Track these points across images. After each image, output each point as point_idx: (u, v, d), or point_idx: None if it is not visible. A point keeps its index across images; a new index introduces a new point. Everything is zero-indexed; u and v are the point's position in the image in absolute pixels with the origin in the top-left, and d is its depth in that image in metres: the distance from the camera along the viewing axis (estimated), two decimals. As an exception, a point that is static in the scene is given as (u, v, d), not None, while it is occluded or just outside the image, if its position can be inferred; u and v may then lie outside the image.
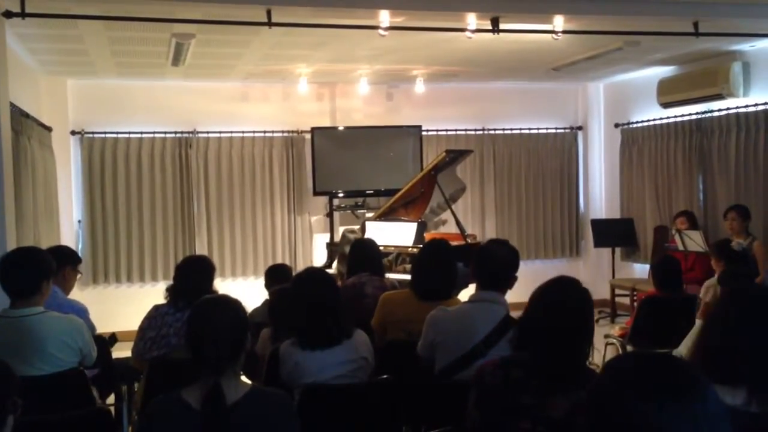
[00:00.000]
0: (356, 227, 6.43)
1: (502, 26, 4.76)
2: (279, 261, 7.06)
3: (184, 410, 1.99)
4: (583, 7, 4.69)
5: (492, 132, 8.36)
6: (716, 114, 6.75)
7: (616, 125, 8.17)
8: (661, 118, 7.47)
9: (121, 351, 4.21)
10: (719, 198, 6.68)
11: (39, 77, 6.77)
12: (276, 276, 4.55)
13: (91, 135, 7.27)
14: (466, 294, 3.41)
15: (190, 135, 7.52)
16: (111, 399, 4.08)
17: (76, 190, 7.33)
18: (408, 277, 4.47)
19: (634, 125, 7.91)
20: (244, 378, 2.31)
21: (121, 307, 6.86)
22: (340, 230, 6.96)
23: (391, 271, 5.54)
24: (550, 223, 8.56)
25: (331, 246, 6.74)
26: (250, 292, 6.18)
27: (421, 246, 4.69)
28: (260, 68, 6.77)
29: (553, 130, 8.58)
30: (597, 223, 8.14)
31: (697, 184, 7.00)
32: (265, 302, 4.12)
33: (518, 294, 3.30)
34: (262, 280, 4.78)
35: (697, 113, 6.96)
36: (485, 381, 2.17)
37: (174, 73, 6.85)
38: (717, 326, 1.81)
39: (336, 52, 6.15)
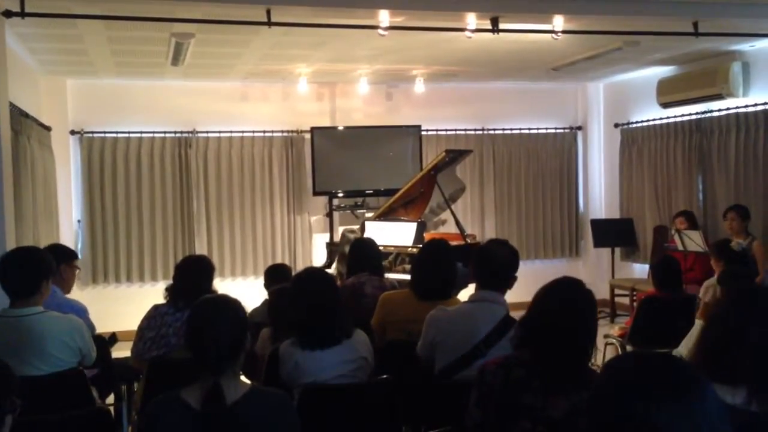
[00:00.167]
0: (356, 227, 6.44)
1: (501, 26, 4.76)
2: (279, 261, 7.06)
3: (183, 410, 1.99)
4: (582, 7, 4.69)
5: (492, 132, 8.36)
6: (716, 114, 6.75)
7: (616, 125, 8.18)
8: (660, 118, 7.47)
9: (121, 351, 4.20)
10: (719, 198, 6.68)
11: (38, 77, 6.77)
12: (275, 276, 4.54)
13: (90, 135, 7.27)
14: (465, 294, 3.41)
15: (190, 135, 7.52)
16: (111, 399, 4.07)
17: (75, 189, 7.33)
18: (407, 277, 4.47)
19: (634, 125, 7.91)
20: (243, 378, 2.31)
21: (121, 306, 6.85)
22: (339, 230, 6.96)
23: (390, 271, 5.54)
24: (550, 223, 8.56)
25: (331, 246, 6.74)
26: (249, 291, 6.18)
27: (421, 246, 4.70)
28: (260, 68, 6.76)
29: (553, 130, 8.58)
30: (597, 223, 8.14)
31: (697, 184, 7.01)
32: (265, 302, 4.12)
33: (518, 294, 3.31)
34: (261, 280, 4.78)
35: (696, 113, 6.96)
36: (486, 380, 2.17)
37: (174, 73, 6.85)
38: (718, 326, 1.81)
39: (336, 51, 6.15)
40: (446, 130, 8.19)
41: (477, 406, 2.19)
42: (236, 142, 7.64)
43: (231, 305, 2.15)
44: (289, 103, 7.78)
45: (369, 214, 7.02)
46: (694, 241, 6.04)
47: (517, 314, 2.58)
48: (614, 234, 7.95)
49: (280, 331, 3.37)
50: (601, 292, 7.51)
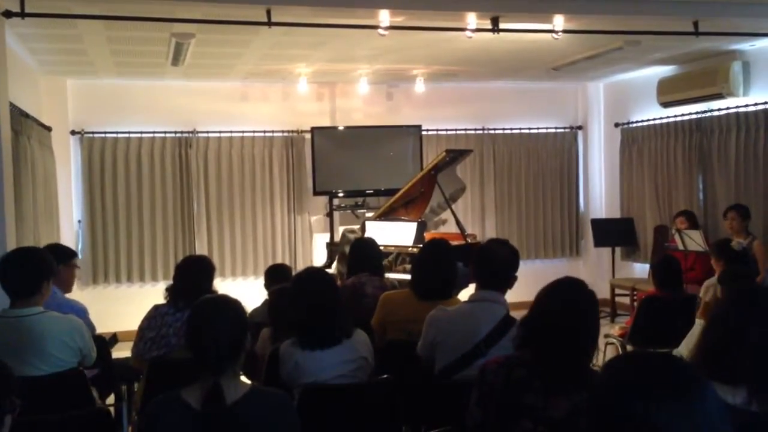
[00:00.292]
0: (356, 227, 6.43)
1: (501, 26, 4.76)
2: (279, 261, 7.06)
3: (183, 410, 1.99)
4: (582, 7, 4.69)
5: (492, 132, 8.36)
6: (716, 113, 6.75)
7: (616, 125, 8.17)
8: (661, 118, 7.47)
9: (121, 351, 4.20)
10: (719, 197, 6.68)
11: (39, 77, 6.77)
12: (276, 276, 4.54)
13: (90, 135, 7.27)
14: (466, 294, 3.41)
15: (190, 135, 7.52)
16: (111, 399, 4.07)
17: (75, 190, 7.33)
18: (408, 276, 4.47)
19: (634, 125, 7.90)
20: (243, 378, 2.31)
21: (121, 307, 6.85)
22: (340, 230, 6.96)
23: (391, 270, 5.54)
24: (550, 223, 8.56)
25: (331, 246, 6.74)
26: (249, 292, 6.19)
27: (421, 246, 4.69)
28: (260, 68, 6.76)
29: (553, 130, 8.58)
30: (597, 223, 8.14)
31: (697, 184, 7.00)
32: (265, 302, 4.12)
33: (518, 294, 3.31)
34: (261, 280, 4.78)
35: (697, 113, 6.96)
36: (487, 379, 2.17)
37: (174, 73, 6.85)
38: (718, 326, 1.81)
39: (336, 51, 6.15)
40: (446, 129, 8.19)
41: (478, 406, 2.19)
42: (236, 142, 7.64)
43: (231, 305, 2.15)
44: (289, 103, 7.78)
45: (369, 214, 7.02)
46: (694, 241, 6.04)
47: (517, 314, 2.58)
48: (615, 233, 7.95)
49: (281, 331, 3.37)
50: (602, 291, 7.50)
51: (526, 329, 2.21)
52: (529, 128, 8.47)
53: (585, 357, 2.11)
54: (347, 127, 7.83)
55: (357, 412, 2.92)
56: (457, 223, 6.18)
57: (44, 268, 3.12)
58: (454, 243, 5.27)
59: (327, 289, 3.04)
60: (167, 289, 3.64)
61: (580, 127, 8.69)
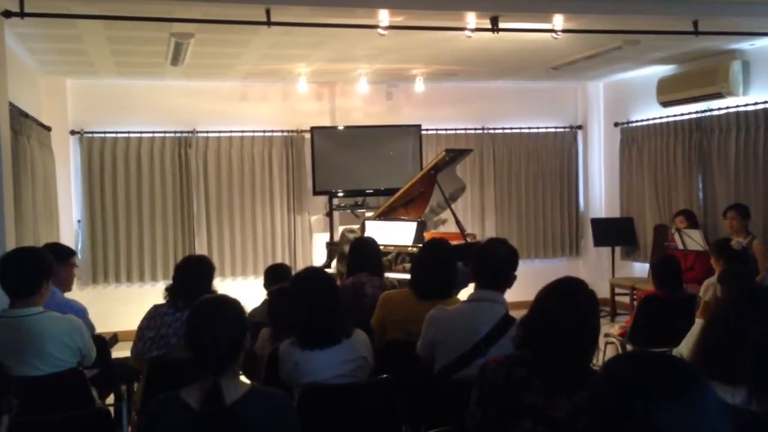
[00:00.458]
0: (356, 227, 6.43)
1: (501, 25, 4.75)
2: (279, 261, 7.06)
3: (183, 410, 1.99)
4: (582, 6, 4.69)
5: (491, 131, 8.36)
6: (716, 113, 6.75)
7: (616, 124, 8.17)
8: (660, 117, 7.47)
9: (121, 351, 4.20)
10: (719, 197, 6.68)
11: (38, 77, 6.77)
12: (275, 276, 4.54)
13: (90, 135, 7.27)
14: (465, 293, 3.41)
15: (190, 135, 7.52)
16: (110, 399, 4.07)
17: (75, 189, 7.33)
18: (407, 276, 4.47)
19: (634, 124, 7.90)
20: (243, 378, 2.31)
21: (121, 306, 6.86)
22: (339, 230, 6.96)
23: (390, 270, 5.54)
24: (550, 223, 8.56)
25: (331, 245, 6.74)
26: (249, 291, 6.19)
27: (421, 245, 4.69)
28: (260, 68, 6.76)
29: (553, 130, 8.58)
30: (597, 222, 8.14)
31: (697, 183, 7.00)
32: (265, 302, 4.12)
33: (518, 293, 3.31)
34: (261, 280, 4.78)
35: (696, 112, 6.96)
36: (488, 378, 2.17)
37: (173, 73, 6.85)
38: (718, 326, 1.81)
39: (335, 51, 6.14)
40: (446, 129, 8.19)
41: (477, 405, 2.19)
42: (236, 142, 7.64)
43: (230, 305, 2.15)
44: (288, 103, 7.78)
45: (369, 214, 7.02)
46: (694, 240, 6.04)
47: (517, 313, 2.58)
48: (614, 233, 7.95)
49: (280, 330, 3.37)
50: (602, 291, 7.50)
51: (526, 329, 2.20)
52: (529, 128, 8.47)
53: (585, 357, 2.11)
54: (347, 127, 7.83)
55: (357, 411, 2.92)
56: (457, 222, 6.18)
57: (44, 268, 3.11)
58: (454, 243, 5.27)
59: (326, 289, 3.04)
60: (167, 289, 3.64)
61: (579, 127, 8.69)
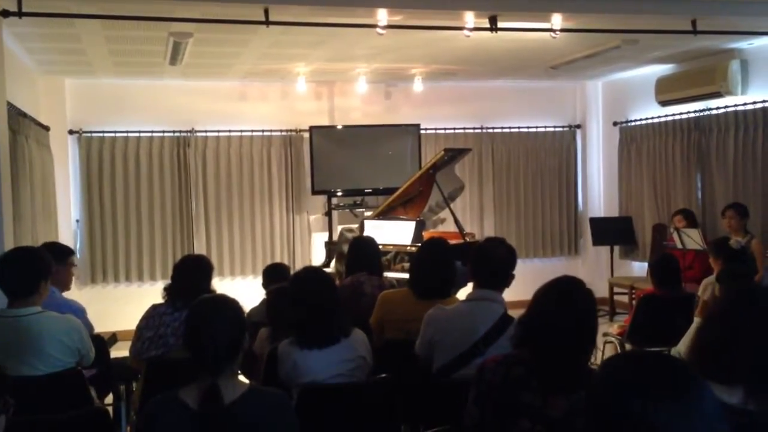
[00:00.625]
0: (354, 226, 6.43)
1: (500, 25, 4.75)
2: (277, 260, 7.06)
3: (181, 410, 1.99)
4: (581, 6, 4.69)
5: (490, 131, 8.36)
6: (714, 112, 6.75)
7: (615, 123, 8.17)
8: (659, 117, 7.47)
9: (120, 351, 4.20)
10: (717, 196, 6.68)
11: (36, 77, 6.76)
12: (274, 275, 4.54)
13: (89, 134, 7.27)
14: (464, 293, 3.41)
15: (189, 134, 7.51)
16: (109, 399, 4.07)
17: (74, 189, 7.33)
18: (406, 275, 4.47)
19: (633, 123, 7.91)
20: (242, 377, 2.31)
21: (120, 306, 6.86)
22: (338, 229, 6.96)
23: (389, 269, 5.53)
24: (549, 222, 8.56)
25: (330, 245, 6.74)
26: (248, 291, 6.18)
27: (420, 245, 4.69)
28: (258, 67, 6.76)
29: (552, 129, 8.58)
30: (595, 222, 8.14)
31: (696, 182, 7.01)
32: (263, 301, 4.12)
33: (516, 292, 3.31)
34: (260, 280, 4.78)
35: (695, 111, 6.97)
36: (486, 378, 2.17)
37: (172, 73, 6.84)
38: (715, 325, 1.81)
39: (334, 50, 6.14)
40: (445, 128, 8.19)
41: (475, 405, 2.19)
42: (235, 142, 7.64)
43: (229, 305, 2.15)
44: (287, 103, 7.78)
45: (368, 213, 7.02)
46: (693, 239, 6.04)
47: (515, 313, 2.58)
48: (613, 232, 7.96)
49: (279, 330, 3.37)
50: (600, 290, 7.50)
51: (524, 328, 2.20)
52: (528, 127, 8.47)
53: (583, 356, 2.11)
54: (346, 126, 7.83)
55: (355, 411, 2.92)
56: (456, 222, 6.18)
57: (42, 268, 3.12)
58: (453, 242, 5.27)
59: (325, 288, 3.04)
60: (165, 289, 3.64)
61: (578, 126, 8.70)
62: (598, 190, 8.73)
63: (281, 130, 7.76)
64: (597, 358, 2.21)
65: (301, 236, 7.85)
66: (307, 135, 7.71)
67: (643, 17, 4.97)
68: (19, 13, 4.10)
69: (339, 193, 7.70)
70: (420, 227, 5.90)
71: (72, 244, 7.01)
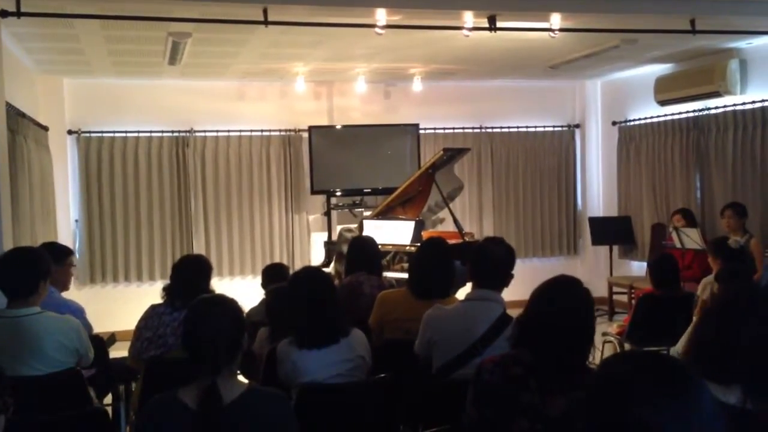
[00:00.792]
0: (354, 226, 6.44)
1: (499, 24, 4.75)
2: (276, 260, 7.06)
3: (180, 410, 1.99)
4: (580, 5, 4.69)
5: (489, 130, 8.36)
6: (713, 111, 6.75)
7: (614, 123, 8.18)
8: (658, 116, 7.48)
9: (119, 351, 4.20)
10: (716, 195, 6.69)
11: (35, 77, 6.76)
12: (273, 275, 4.54)
13: (87, 134, 7.26)
14: (463, 293, 3.41)
15: (187, 134, 7.51)
16: (108, 399, 4.07)
17: (73, 189, 7.32)
18: (405, 275, 4.47)
19: (632, 123, 7.91)
20: (241, 378, 2.31)
21: (119, 306, 6.85)
22: (337, 229, 6.96)
23: (388, 269, 5.53)
24: (548, 221, 8.57)
25: (329, 245, 6.74)
26: (247, 291, 6.18)
27: (419, 244, 4.69)
28: (257, 67, 6.76)
29: (551, 128, 8.58)
30: (594, 221, 8.14)
31: (694, 182, 7.01)
32: (263, 301, 4.12)
33: (515, 292, 3.31)
34: (259, 280, 4.78)
35: (694, 111, 6.97)
36: (483, 378, 2.16)
37: (171, 72, 6.84)
38: (712, 325, 1.81)
39: (333, 50, 6.14)
40: (444, 128, 8.18)
41: (474, 405, 2.19)
42: (234, 142, 7.64)
43: (228, 305, 2.15)
44: (286, 102, 7.78)
45: (367, 213, 7.02)
46: (692, 239, 6.05)
47: (514, 312, 2.58)
48: (612, 232, 7.96)
49: (278, 330, 3.37)
50: (599, 289, 7.52)
51: (522, 328, 2.20)
52: (527, 127, 8.47)
53: (581, 355, 2.11)
54: (345, 126, 7.83)
55: (354, 411, 2.92)
56: (455, 221, 6.18)
57: (41, 268, 3.11)
58: (452, 242, 5.27)
59: (324, 288, 3.04)
60: (164, 289, 3.63)
61: (577, 126, 8.70)
62: (597, 190, 8.73)
63: (280, 130, 7.76)
64: (596, 358, 2.21)
65: (300, 236, 7.85)
66: (306, 135, 7.71)
67: (642, 17, 4.97)
68: (18, 13, 4.09)
69: (338, 193, 7.70)
70: (419, 227, 5.90)
71: (71, 244, 7.01)
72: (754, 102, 6.28)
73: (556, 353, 2.08)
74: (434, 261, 3.68)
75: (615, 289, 7.66)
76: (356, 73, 7.33)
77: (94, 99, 7.30)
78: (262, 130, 7.71)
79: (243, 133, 7.66)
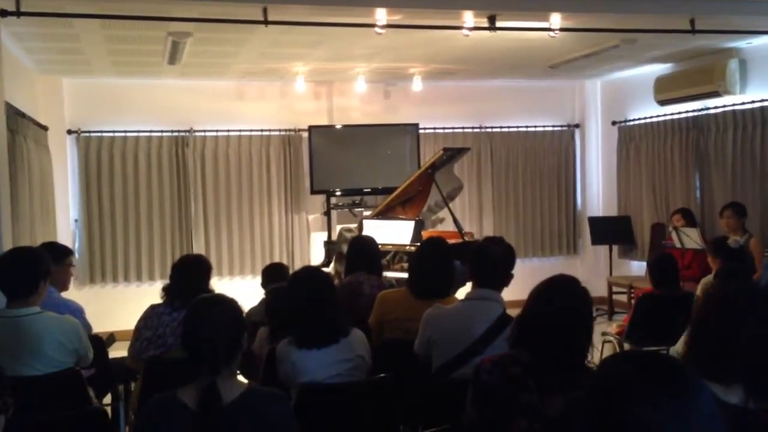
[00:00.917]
0: (353, 226, 6.44)
1: (498, 24, 4.75)
2: (276, 260, 7.06)
3: (180, 410, 1.99)
4: (580, 5, 4.69)
5: (489, 130, 8.36)
6: (713, 111, 6.75)
7: (614, 123, 8.18)
8: (658, 116, 7.48)
9: (119, 351, 4.20)
10: (716, 195, 6.69)
11: (35, 76, 6.76)
12: (273, 275, 4.54)
13: (87, 134, 7.26)
14: (462, 292, 3.41)
15: (187, 134, 7.51)
16: (108, 399, 4.07)
17: (72, 189, 7.32)
18: (405, 275, 4.47)
19: (631, 123, 7.91)
20: (240, 377, 2.31)
21: (119, 306, 6.85)
22: (337, 229, 6.96)
23: (388, 269, 5.53)
24: (548, 221, 8.57)
25: (329, 244, 6.74)
26: (247, 291, 6.18)
27: (419, 244, 4.69)
28: (257, 67, 6.76)
29: (551, 128, 8.58)
30: (594, 221, 8.14)
31: (694, 182, 7.02)
32: (262, 301, 4.12)
33: (515, 292, 3.30)
34: (259, 279, 4.78)
35: (693, 111, 6.97)
36: (482, 378, 2.16)
37: (170, 72, 6.84)
38: (711, 325, 1.81)
39: (333, 50, 6.14)
40: (444, 128, 8.18)
41: (473, 405, 2.19)
42: (233, 141, 7.64)
43: (227, 305, 2.15)
44: (286, 102, 7.78)
45: (367, 213, 7.02)
46: (691, 239, 6.05)
47: (514, 312, 2.58)
48: (612, 231, 7.96)
49: (278, 330, 3.37)
50: (599, 289, 7.52)
51: (520, 328, 2.20)
52: (527, 126, 8.47)
53: (580, 355, 2.11)
54: (344, 126, 7.83)
55: (354, 411, 2.92)
56: (455, 221, 6.19)
57: (41, 268, 3.11)
58: (452, 241, 5.27)
59: (324, 288, 3.04)
60: (164, 289, 3.63)
61: (577, 126, 8.70)
62: (596, 190, 8.73)
63: (280, 130, 7.76)
64: (595, 358, 2.20)
65: (300, 236, 7.85)
66: (306, 134, 7.71)
67: (641, 17, 4.97)
68: (18, 13, 4.09)
69: (338, 193, 7.70)
70: (419, 227, 5.90)
71: (70, 244, 7.01)
72: (753, 102, 6.28)
73: (555, 353, 2.08)
74: (434, 261, 3.68)
75: (614, 288, 7.66)
76: (356, 73, 7.33)
77: (94, 99, 7.30)
78: (261, 130, 7.71)
79: (243, 133, 7.65)
